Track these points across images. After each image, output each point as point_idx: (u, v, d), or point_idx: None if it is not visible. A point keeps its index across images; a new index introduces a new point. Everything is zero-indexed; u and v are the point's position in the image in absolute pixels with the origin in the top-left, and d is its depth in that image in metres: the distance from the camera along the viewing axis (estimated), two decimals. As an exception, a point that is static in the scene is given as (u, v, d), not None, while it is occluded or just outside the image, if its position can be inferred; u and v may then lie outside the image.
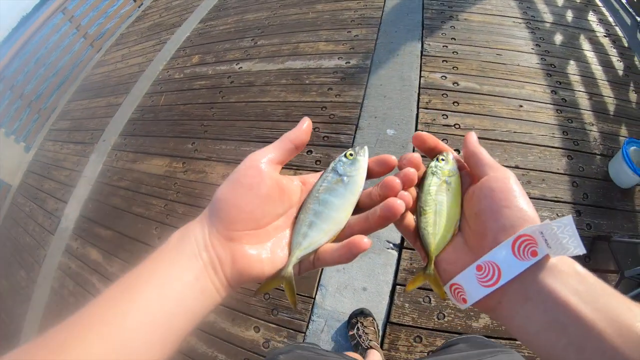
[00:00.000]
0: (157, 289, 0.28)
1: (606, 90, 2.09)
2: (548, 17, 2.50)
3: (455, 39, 2.36)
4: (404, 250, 1.63)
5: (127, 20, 4.57)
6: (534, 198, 1.68)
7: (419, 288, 1.49)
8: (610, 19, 2.52)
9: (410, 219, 0.36)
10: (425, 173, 0.37)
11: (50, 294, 2.52)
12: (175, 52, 3.37)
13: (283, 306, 1.63)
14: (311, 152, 2.04)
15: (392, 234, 1.66)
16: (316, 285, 1.62)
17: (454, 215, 0.35)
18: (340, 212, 0.34)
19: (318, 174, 0.38)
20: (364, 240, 0.31)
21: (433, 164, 0.37)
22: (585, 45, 2.33)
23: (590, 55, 2.26)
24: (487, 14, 2.51)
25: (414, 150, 0.37)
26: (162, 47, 3.55)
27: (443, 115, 2.00)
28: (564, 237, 0.26)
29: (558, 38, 2.36)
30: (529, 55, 2.24)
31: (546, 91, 2.05)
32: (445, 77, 2.15)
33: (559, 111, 1.96)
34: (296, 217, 0.35)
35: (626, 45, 2.35)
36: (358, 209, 0.35)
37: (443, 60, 2.24)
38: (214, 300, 0.30)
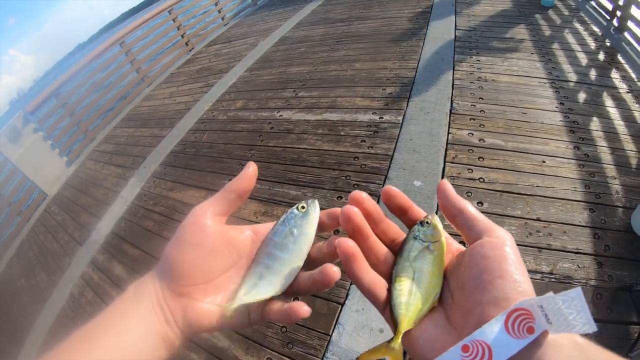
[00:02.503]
0: (114, 340, 0.29)
1: (628, 144, 2.13)
2: (572, 77, 2.64)
3: (482, 99, 2.52)
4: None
5: (178, 62, 5.07)
6: (555, 249, 1.69)
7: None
8: (633, 75, 2.61)
9: (372, 280, 0.32)
10: (406, 237, 0.34)
11: (68, 299, 2.60)
12: (220, 95, 3.70)
13: (299, 340, 1.63)
14: (341, 197, 2.18)
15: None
16: (334, 323, 1.63)
17: (433, 286, 0.31)
18: (289, 266, 0.34)
19: (271, 224, 0.37)
20: (303, 308, 0.31)
21: (416, 227, 0.34)
22: (608, 101, 2.41)
23: (613, 111, 2.34)
24: (514, 75, 2.69)
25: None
26: (208, 90, 3.91)
27: (468, 169, 2.10)
28: (571, 312, 0.23)
29: (582, 96, 2.47)
30: (553, 114, 2.35)
31: (569, 147, 2.12)
32: (472, 134, 2.29)
33: (581, 166, 2.02)
34: (248, 269, 0.35)
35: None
36: (311, 260, 0.35)
37: (471, 119, 2.39)
38: (169, 350, 0.31)
